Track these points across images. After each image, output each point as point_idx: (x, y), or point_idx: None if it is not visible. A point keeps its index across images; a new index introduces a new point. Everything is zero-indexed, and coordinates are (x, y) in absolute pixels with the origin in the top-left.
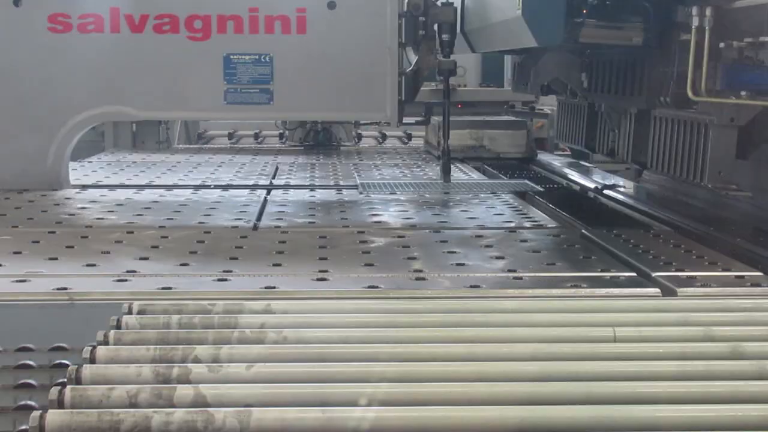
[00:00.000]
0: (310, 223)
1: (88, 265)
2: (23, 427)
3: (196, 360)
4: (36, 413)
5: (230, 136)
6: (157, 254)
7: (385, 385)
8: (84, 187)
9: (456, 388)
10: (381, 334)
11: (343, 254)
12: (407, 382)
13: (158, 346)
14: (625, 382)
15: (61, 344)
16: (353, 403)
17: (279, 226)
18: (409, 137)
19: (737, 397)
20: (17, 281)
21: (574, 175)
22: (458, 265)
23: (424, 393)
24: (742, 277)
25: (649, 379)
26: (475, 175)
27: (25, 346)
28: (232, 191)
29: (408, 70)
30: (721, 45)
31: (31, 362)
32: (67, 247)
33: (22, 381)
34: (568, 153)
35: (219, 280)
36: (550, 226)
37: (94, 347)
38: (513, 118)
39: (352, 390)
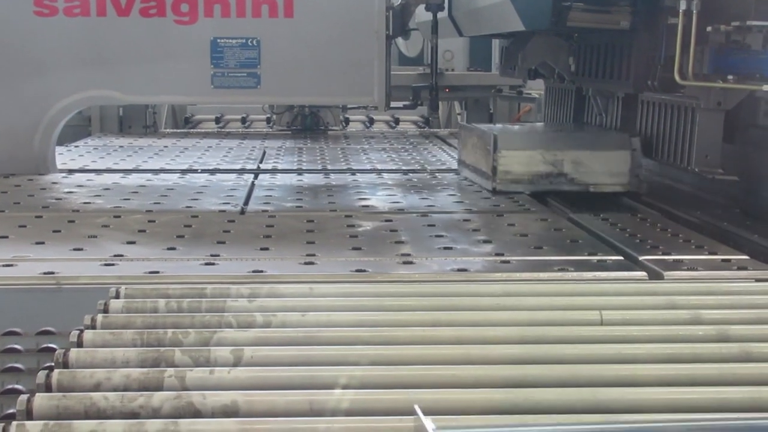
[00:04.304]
0: (297, 207)
1: (75, 249)
2: (10, 410)
3: (183, 344)
4: (23, 397)
5: (217, 120)
6: (145, 238)
7: (371, 368)
8: (71, 171)
9: (443, 371)
10: (368, 318)
11: (331, 238)
12: (394, 365)
13: (145, 330)
14: (612, 365)
15: (48, 328)
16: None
17: (266, 210)
18: (397, 121)
19: (723, 379)
20: (4, 265)
21: None
22: (446, 248)
23: (410, 376)
24: (729, 260)
25: (635, 362)
26: None
27: (12, 330)
28: (219, 175)
29: (396, 4)
30: (709, 29)
31: (18, 346)
32: (54, 231)
33: (9, 365)
34: None
35: (206, 264)
36: (537, 209)
37: (82, 331)
38: (605, 130)
39: (340, 373)
